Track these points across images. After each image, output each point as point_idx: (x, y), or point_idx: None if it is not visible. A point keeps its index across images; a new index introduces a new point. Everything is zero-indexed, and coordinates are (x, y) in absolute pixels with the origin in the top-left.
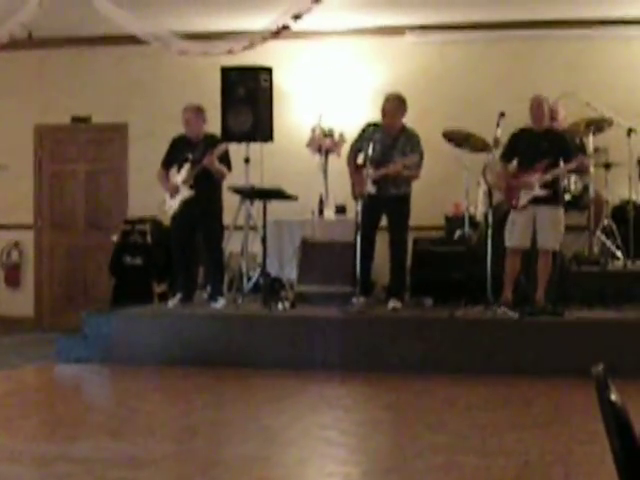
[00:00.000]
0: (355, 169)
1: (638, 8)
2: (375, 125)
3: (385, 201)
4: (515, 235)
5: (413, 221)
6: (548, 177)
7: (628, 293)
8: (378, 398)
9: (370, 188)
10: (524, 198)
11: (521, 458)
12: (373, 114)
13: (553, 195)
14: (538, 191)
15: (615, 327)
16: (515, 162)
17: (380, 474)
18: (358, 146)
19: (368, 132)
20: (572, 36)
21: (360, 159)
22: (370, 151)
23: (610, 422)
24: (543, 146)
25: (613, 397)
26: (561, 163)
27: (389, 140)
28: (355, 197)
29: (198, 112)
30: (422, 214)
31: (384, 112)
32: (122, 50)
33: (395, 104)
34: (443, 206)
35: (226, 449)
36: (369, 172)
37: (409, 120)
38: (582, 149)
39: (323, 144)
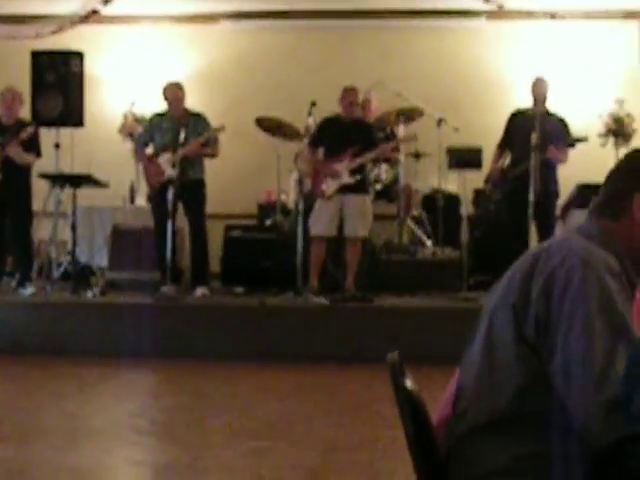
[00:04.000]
0: (148, 160)
1: (447, 0)
2: (160, 115)
3: (182, 186)
4: (321, 223)
5: (225, 208)
6: (355, 165)
7: (437, 280)
8: (188, 385)
9: (170, 172)
10: (332, 186)
11: (329, 444)
12: (188, 102)
13: (360, 183)
14: (346, 179)
15: (423, 314)
16: (322, 150)
17: (189, 461)
18: (145, 139)
19: (154, 123)
20: (384, 27)
21: (149, 150)
22: (162, 139)
23: (404, 408)
24: (351, 135)
25: (408, 384)
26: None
27: (178, 125)
28: (153, 187)
29: (15, 95)
30: (234, 201)
31: (170, 99)
32: None
33: (179, 91)
34: (255, 194)
35: (31, 439)
36: (168, 157)
37: (222, 107)
38: (393, 138)
39: (135, 130)
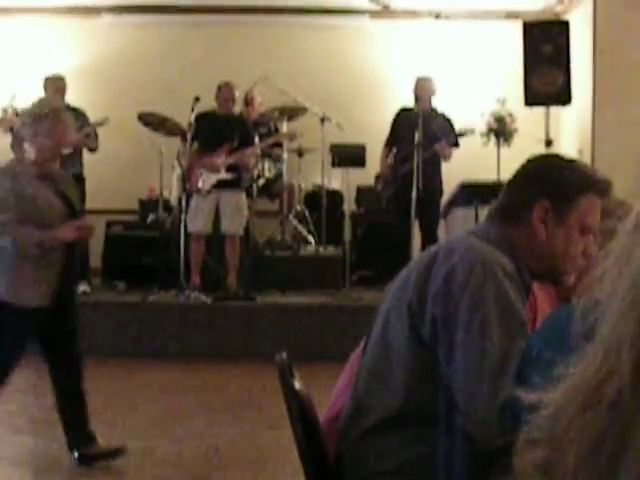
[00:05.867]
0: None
1: None
2: None
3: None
4: (198, 220)
5: (106, 204)
6: (230, 161)
7: (319, 277)
8: None
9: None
10: (208, 181)
11: (212, 442)
12: (68, 96)
13: (236, 180)
14: (223, 174)
15: (306, 311)
16: (196, 144)
17: (70, 461)
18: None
19: None
20: (268, 23)
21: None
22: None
23: (293, 409)
24: (225, 131)
25: (296, 385)
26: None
27: None
28: None
29: None
30: (116, 197)
31: (50, 93)
32: None
33: (60, 83)
34: (137, 190)
35: None
36: None
37: (104, 101)
38: (277, 134)
39: (15, 125)
